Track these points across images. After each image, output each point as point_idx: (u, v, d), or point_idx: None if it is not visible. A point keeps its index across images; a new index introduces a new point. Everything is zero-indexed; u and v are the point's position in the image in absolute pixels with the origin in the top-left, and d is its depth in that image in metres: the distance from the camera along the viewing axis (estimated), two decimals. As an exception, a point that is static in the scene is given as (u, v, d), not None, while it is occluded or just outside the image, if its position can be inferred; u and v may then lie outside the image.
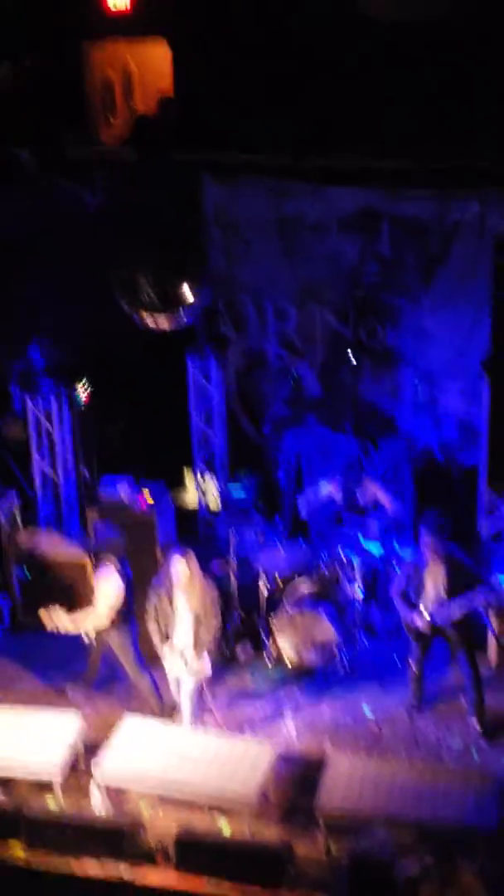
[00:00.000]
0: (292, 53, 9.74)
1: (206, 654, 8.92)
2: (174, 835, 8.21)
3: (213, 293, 10.61)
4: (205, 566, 10.90)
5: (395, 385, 11.37)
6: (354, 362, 11.30)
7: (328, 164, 9.82)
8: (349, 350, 11.28)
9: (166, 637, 8.96)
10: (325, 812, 8.22)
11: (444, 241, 10.61)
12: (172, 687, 9.23)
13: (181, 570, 8.78)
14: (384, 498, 10.28)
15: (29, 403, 11.32)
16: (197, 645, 8.89)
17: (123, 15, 10.08)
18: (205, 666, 8.98)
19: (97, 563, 9.25)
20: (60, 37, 9.87)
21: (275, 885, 7.94)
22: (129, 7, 10.27)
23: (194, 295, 9.72)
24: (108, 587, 9.10)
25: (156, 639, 9.00)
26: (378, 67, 9.87)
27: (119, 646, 9.35)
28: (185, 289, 9.71)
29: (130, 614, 9.30)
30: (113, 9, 10.40)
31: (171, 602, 8.88)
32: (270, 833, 8.44)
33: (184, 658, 8.95)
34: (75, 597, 10.10)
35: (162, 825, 8.54)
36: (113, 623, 9.21)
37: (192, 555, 8.88)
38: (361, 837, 8.27)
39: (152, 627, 8.99)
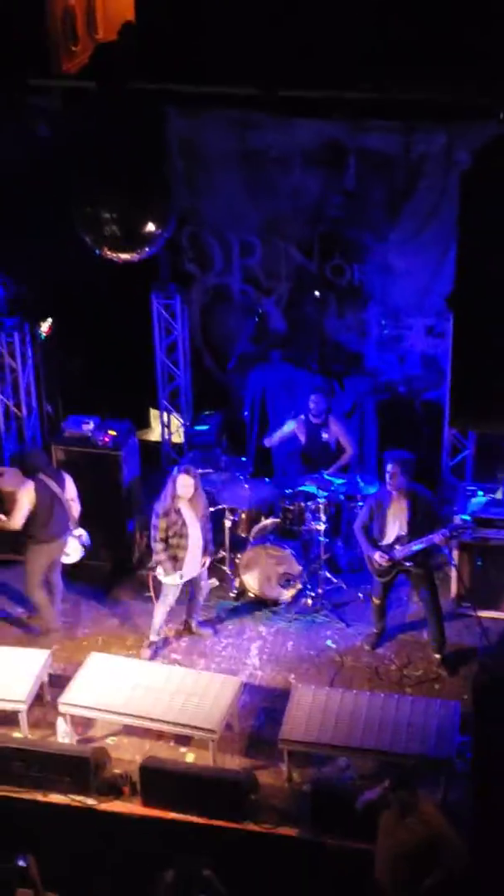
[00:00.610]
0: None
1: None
2: (139, 764, 8.31)
3: (177, 227, 10.49)
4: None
5: (361, 322, 11.35)
6: (319, 297, 11.25)
7: (293, 96, 9.68)
8: (314, 286, 11.22)
9: (175, 560, 9.22)
10: (288, 742, 8.35)
11: (410, 175, 10.54)
12: (167, 604, 9.54)
13: (188, 484, 9.12)
14: (344, 438, 10.30)
15: (-9, 340, 11.23)
16: (206, 552, 9.42)
17: None
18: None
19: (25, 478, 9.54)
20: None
21: (238, 814, 8.08)
22: None
23: (158, 229, 9.59)
24: (25, 498, 9.38)
25: (162, 556, 9.25)
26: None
27: (29, 560, 9.56)
28: (149, 223, 9.58)
29: (49, 533, 9.49)
30: None
31: (183, 522, 9.20)
32: (234, 763, 8.57)
33: (199, 561, 9.41)
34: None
35: (127, 755, 8.66)
36: (30, 538, 9.45)
37: (192, 469, 9.26)
38: (324, 767, 8.44)
39: (159, 546, 9.23)
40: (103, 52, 10.16)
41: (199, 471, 9.42)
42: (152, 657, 9.51)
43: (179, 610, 9.81)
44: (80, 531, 9.70)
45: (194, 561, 9.36)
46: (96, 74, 9.53)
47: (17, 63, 9.56)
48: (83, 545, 9.74)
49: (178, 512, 9.18)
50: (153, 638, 9.59)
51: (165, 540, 9.21)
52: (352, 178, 10.73)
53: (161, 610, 9.53)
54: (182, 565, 9.29)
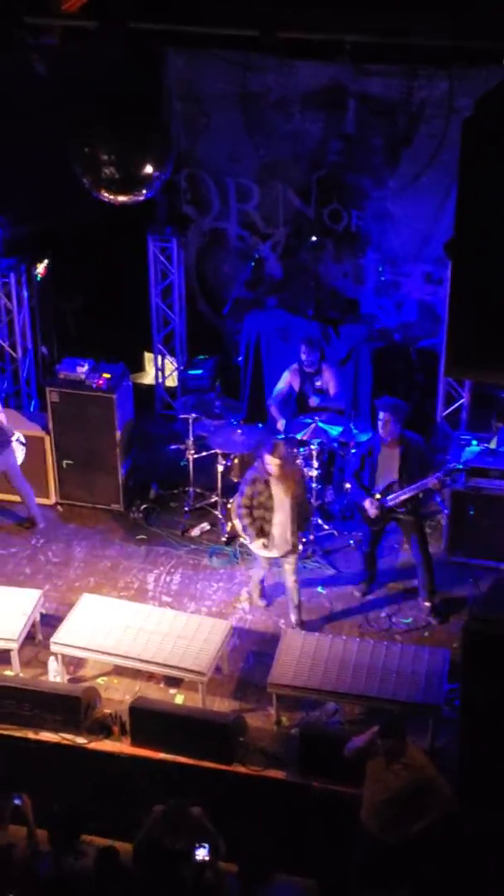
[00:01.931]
0: None
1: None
2: (128, 705, 8.40)
3: (175, 169, 10.40)
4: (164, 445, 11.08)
5: (358, 268, 11.29)
6: (316, 242, 11.18)
7: (294, 38, 9.55)
8: (311, 232, 11.15)
9: (262, 532, 9.00)
10: (276, 686, 8.43)
11: (410, 121, 10.44)
12: (257, 575, 9.54)
13: (274, 463, 8.75)
14: (333, 383, 10.26)
15: (-13, 280, 11.16)
16: (300, 527, 9.09)
17: None
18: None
19: None
20: None
21: (227, 756, 8.18)
22: None
23: (156, 171, 9.50)
24: None
25: (245, 521, 9.00)
26: None
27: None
28: (147, 165, 9.48)
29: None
30: None
31: (270, 495, 8.88)
32: (223, 706, 8.66)
33: (289, 542, 9.04)
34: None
35: (117, 696, 8.74)
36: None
37: (280, 445, 8.88)
38: (312, 711, 8.53)
39: (245, 522, 9.00)
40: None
41: (280, 449, 8.88)
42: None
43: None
44: (17, 433, 10.07)
45: (282, 540, 9.06)
46: (96, 14, 9.36)
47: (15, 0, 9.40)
48: (22, 444, 10.11)
49: (266, 483, 8.91)
50: (245, 605, 9.65)
51: (250, 508, 8.98)
52: (352, 123, 10.64)
53: (254, 578, 9.58)
54: (270, 541, 9.06)
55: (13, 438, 10.03)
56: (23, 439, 10.12)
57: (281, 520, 8.98)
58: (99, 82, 9.27)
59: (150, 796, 7.48)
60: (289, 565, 9.20)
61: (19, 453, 10.12)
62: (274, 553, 9.12)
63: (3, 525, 10.52)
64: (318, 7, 9.15)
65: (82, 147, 9.30)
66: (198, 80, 10.88)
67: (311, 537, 10.11)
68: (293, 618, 9.33)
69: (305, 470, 9.87)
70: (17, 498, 10.42)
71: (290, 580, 9.26)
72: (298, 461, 9.52)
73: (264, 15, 9.23)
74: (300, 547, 9.30)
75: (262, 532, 9.02)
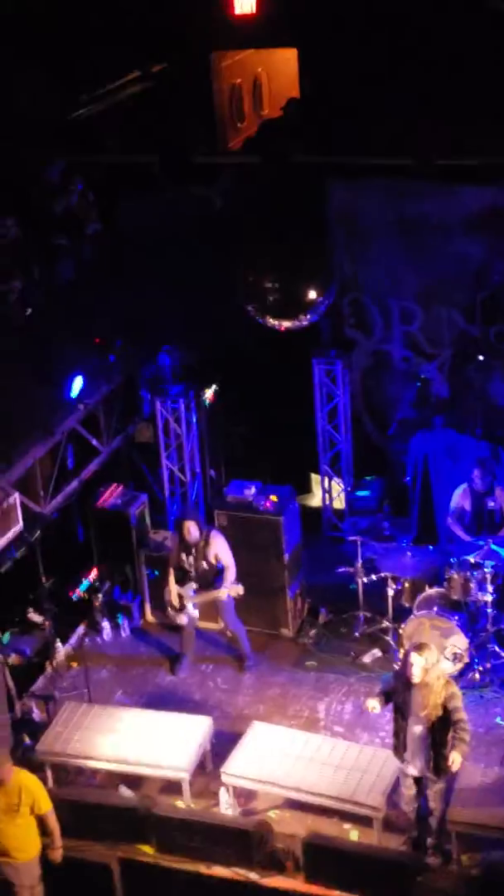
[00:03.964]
0: (416, 56, 9.63)
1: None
2: (302, 839, 8.21)
3: (338, 295, 10.53)
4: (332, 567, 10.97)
5: (526, 387, 11.15)
6: (483, 362, 11.09)
7: (452, 164, 9.66)
8: (478, 351, 11.08)
9: (403, 747, 8.06)
10: (456, 823, 8.12)
11: None
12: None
13: (419, 666, 7.81)
14: None
15: (158, 406, 11.44)
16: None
17: (250, 22, 10.05)
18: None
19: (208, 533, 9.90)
20: (188, 46, 9.91)
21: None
22: (254, 10, 10.24)
23: (319, 296, 9.66)
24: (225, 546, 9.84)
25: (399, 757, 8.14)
26: (500, 63, 9.68)
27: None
28: (310, 291, 9.66)
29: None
30: (239, 12, 10.38)
31: (405, 701, 7.93)
32: (400, 842, 8.37)
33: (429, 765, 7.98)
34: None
35: (290, 829, 8.56)
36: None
37: (426, 647, 7.90)
38: (493, 850, 8.16)
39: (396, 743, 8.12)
40: (268, 128, 10.35)
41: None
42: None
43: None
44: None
45: (418, 757, 8.04)
46: (261, 150, 9.72)
47: (186, 141, 9.83)
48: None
49: (406, 683, 7.91)
50: None
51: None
52: (515, 244, 10.60)
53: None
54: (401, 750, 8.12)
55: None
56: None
57: (419, 733, 8.00)
58: (261, 214, 9.56)
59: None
60: (432, 791, 8.13)
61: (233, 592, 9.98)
62: (411, 771, 8.14)
63: (217, 657, 10.47)
64: (474, 134, 9.28)
65: (247, 276, 9.57)
66: (358, 207, 11.06)
67: (488, 665, 9.80)
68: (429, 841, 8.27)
69: (479, 596, 9.61)
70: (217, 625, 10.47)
71: (431, 802, 8.18)
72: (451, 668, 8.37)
73: (421, 144, 9.42)
74: (443, 782, 8.09)
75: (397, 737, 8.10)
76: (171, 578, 10.08)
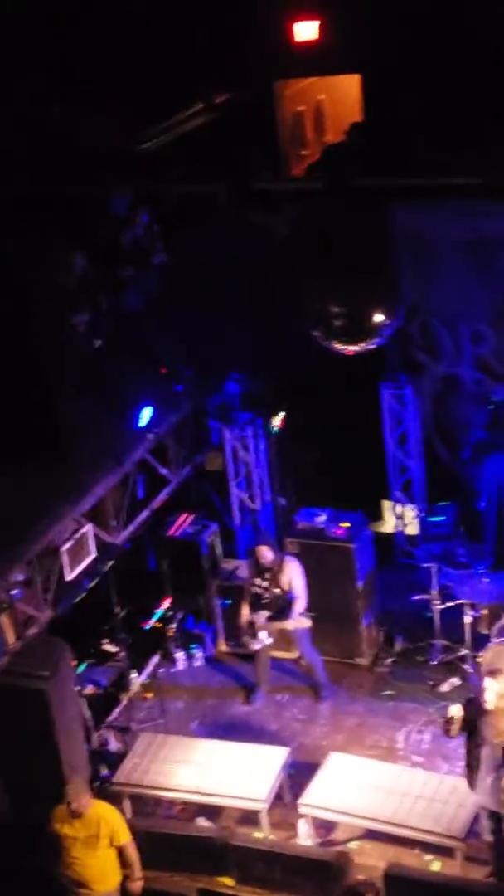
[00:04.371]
0: (480, 76, 9.57)
1: None
2: (383, 871, 8.07)
3: (406, 318, 10.45)
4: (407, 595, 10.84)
5: None
6: None
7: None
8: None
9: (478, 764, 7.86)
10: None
11: None
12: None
13: (492, 691, 7.68)
14: None
15: (226, 434, 11.44)
16: None
17: (311, 48, 10.08)
18: None
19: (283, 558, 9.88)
20: (250, 76, 9.95)
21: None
22: (316, 37, 10.27)
23: (386, 320, 9.59)
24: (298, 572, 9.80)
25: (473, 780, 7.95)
26: None
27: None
28: (377, 315, 9.60)
29: None
30: (300, 39, 10.41)
31: (479, 728, 7.81)
32: (483, 873, 8.19)
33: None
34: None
35: (370, 861, 8.43)
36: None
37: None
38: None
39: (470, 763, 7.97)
40: (332, 153, 10.34)
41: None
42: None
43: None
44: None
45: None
46: (325, 175, 9.69)
47: (250, 170, 9.84)
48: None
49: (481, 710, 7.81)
50: None
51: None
52: None
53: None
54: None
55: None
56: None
57: (494, 760, 7.74)
58: (327, 238, 9.53)
59: None
60: None
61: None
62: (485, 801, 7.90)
63: (293, 686, 10.40)
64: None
65: (313, 301, 9.53)
66: (424, 229, 10.96)
67: None
68: None
69: None
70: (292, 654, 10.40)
71: None
72: None
73: (487, 161, 9.31)
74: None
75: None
76: (245, 603, 10.04)
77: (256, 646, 10.02)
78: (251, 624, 9.99)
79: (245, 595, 10.09)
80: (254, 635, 9.99)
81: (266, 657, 10.18)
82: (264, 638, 9.97)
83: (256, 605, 10.00)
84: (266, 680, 10.25)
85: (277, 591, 9.91)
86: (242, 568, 10.62)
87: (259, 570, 9.99)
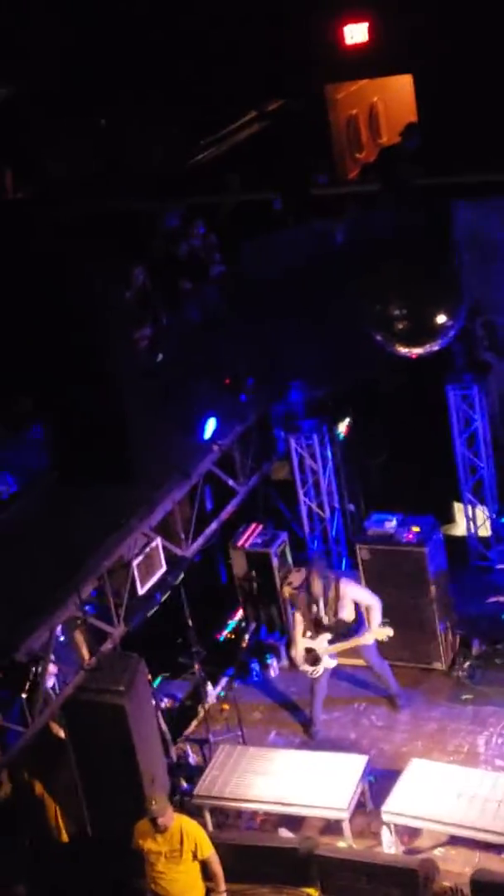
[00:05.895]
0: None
1: None
2: (469, 877, 7.94)
3: (470, 318, 10.33)
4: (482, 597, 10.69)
5: None
6: None
7: None
8: None
9: None
10: None
11: None
12: None
13: None
14: None
15: (292, 443, 11.39)
16: None
17: (362, 51, 10.05)
18: None
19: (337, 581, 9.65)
20: (301, 81, 9.94)
21: None
22: (366, 39, 10.23)
23: (448, 320, 9.49)
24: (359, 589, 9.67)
25: None
26: None
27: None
28: (439, 316, 9.50)
29: None
30: (350, 43, 10.38)
31: None
32: None
33: None
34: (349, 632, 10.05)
35: (456, 867, 8.31)
36: None
37: None
38: None
39: None
40: (388, 154, 10.28)
41: None
42: None
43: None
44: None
45: None
46: (382, 177, 9.64)
47: (307, 176, 9.83)
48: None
49: None
50: None
51: None
52: None
53: None
54: None
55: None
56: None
57: None
58: (386, 241, 9.46)
59: None
60: None
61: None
62: None
63: (368, 695, 10.26)
64: None
65: (375, 305, 9.47)
66: (485, 227, 10.86)
67: None
68: None
69: None
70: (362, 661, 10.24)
71: None
72: None
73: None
74: None
75: None
76: (298, 632, 9.75)
77: (318, 673, 9.77)
78: (308, 651, 9.74)
79: (296, 626, 9.81)
80: (314, 661, 9.74)
81: (324, 685, 9.89)
82: (329, 662, 9.75)
83: (317, 631, 9.71)
84: (319, 705, 9.93)
85: (336, 618, 9.69)
86: (299, 594, 10.33)
87: (312, 596, 9.75)
